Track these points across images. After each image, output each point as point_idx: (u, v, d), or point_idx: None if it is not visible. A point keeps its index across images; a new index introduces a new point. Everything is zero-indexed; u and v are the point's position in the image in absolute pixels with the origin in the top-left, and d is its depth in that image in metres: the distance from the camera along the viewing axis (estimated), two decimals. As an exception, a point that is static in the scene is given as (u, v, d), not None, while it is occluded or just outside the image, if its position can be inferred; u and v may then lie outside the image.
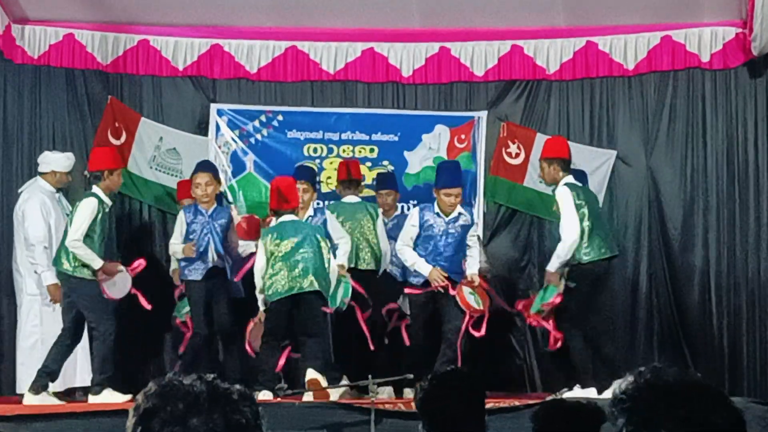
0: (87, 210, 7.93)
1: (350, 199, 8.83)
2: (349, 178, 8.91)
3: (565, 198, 7.96)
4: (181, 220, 8.63)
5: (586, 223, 7.94)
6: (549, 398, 6.69)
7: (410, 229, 8.26)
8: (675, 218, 9.74)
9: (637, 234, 9.80)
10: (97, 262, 7.88)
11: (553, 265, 8.06)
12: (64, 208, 8.65)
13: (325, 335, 8.14)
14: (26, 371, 8.40)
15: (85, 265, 7.90)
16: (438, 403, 3.73)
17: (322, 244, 8.01)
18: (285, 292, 7.87)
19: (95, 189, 8.07)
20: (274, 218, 8.27)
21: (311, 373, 7.80)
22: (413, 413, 4.56)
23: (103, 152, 8.43)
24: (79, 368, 8.57)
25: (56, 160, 8.73)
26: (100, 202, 7.99)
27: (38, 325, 8.60)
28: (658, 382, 2.05)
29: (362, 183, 9.12)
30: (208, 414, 1.80)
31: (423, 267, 8.16)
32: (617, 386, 2.10)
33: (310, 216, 8.50)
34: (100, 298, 7.96)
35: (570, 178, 8.11)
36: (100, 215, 7.98)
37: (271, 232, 8.05)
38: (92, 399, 7.93)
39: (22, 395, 8.15)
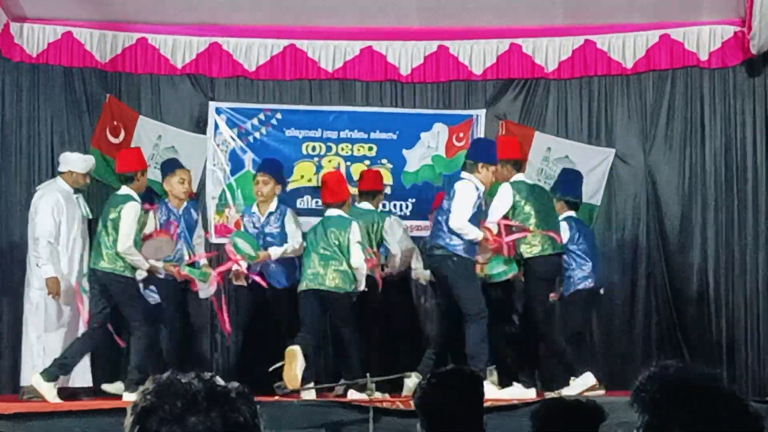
0: (132, 214, 8.03)
1: (363, 206, 8.83)
2: (365, 189, 8.89)
3: (503, 194, 8.12)
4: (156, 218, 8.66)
5: (532, 220, 8.08)
6: (548, 396, 6.69)
7: (471, 206, 7.98)
8: (673, 216, 9.74)
9: (635, 232, 9.79)
10: (145, 265, 8.08)
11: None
12: (82, 209, 8.66)
13: (354, 329, 8.20)
14: (30, 365, 8.41)
15: (129, 266, 8.02)
16: (436, 401, 3.73)
17: (349, 240, 8.10)
18: (304, 288, 8.08)
19: (128, 191, 8.16)
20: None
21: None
22: (412, 412, 4.56)
23: (132, 153, 8.58)
24: (78, 369, 8.55)
25: (74, 161, 8.73)
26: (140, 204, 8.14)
27: (42, 319, 8.60)
28: (682, 386, 2.04)
29: (381, 193, 9.07)
30: (206, 413, 1.80)
31: None
32: (641, 377, 2.09)
33: (270, 212, 8.63)
34: (141, 298, 8.20)
35: (519, 176, 8.25)
36: (141, 218, 8.13)
37: (315, 228, 8.29)
38: (127, 396, 7.89)
39: (23, 390, 8.20)
